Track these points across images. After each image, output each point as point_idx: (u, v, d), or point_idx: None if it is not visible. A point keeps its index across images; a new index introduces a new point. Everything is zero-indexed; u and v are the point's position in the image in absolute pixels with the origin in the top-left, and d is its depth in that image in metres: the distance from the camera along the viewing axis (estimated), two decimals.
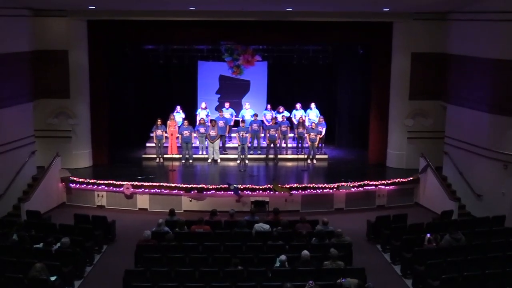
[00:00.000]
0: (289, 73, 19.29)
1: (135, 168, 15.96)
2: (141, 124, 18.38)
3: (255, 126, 16.76)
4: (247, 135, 16.41)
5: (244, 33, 16.09)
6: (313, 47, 18.34)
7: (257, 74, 18.75)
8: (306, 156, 16.55)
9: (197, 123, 16.77)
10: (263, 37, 16.28)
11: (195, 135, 16.69)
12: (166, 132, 16.48)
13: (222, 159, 16.78)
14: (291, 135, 17.64)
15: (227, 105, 17.63)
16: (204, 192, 14.02)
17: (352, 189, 14.29)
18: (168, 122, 16.67)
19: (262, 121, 17.27)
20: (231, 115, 17.61)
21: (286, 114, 17.42)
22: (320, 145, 17.19)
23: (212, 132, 16.32)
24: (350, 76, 18.44)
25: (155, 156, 16.69)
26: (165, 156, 16.64)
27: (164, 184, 14.14)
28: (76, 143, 15.82)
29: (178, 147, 16.75)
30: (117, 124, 17.52)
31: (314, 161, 16.75)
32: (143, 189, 14.14)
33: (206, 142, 16.80)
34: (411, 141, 16.02)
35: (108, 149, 16.57)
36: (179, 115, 17.35)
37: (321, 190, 14.18)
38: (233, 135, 17.61)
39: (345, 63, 18.54)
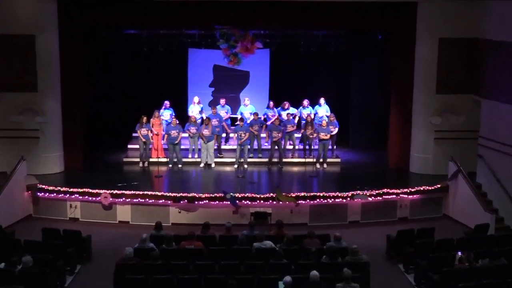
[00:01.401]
0: (295, 63, 19.32)
1: (115, 174, 15.97)
2: (122, 122, 18.42)
3: (255, 128, 16.77)
4: (246, 135, 16.38)
5: (242, 16, 16.11)
6: (323, 32, 18.32)
7: (257, 64, 18.79)
8: (315, 160, 16.56)
9: (188, 122, 16.77)
10: (265, 20, 16.33)
11: (185, 135, 16.70)
12: (152, 132, 16.53)
13: (217, 163, 16.78)
14: (298, 135, 17.65)
15: (222, 101, 17.67)
16: (196, 202, 14.01)
17: (369, 199, 14.28)
18: (152, 120, 16.69)
19: (263, 120, 17.32)
20: (227, 112, 17.63)
21: (292, 110, 17.44)
22: (331, 147, 17.20)
23: (206, 132, 16.32)
24: (367, 66, 18.47)
25: (138, 159, 16.69)
26: (150, 159, 16.64)
27: (149, 193, 14.14)
28: (45, 144, 15.80)
29: (165, 149, 16.76)
30: (93, 123, 17.53)
31: (325, 165, 16.75)
32: (124, 199, 14.12)
33: (198, 144, 16.81)
34: (438, 142, 16.02)
35: (83, 152, 16.59)
36: (168, 112, 17.37)
37: (332, 199, 14.18)
38: (231, 135, 17.65)
39: (360, 50, 18.57)
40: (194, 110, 17.48)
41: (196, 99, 17.70)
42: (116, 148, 17.94)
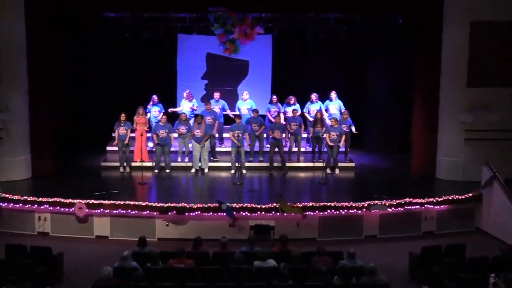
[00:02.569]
0: (301, 52, 19.44)
1: (92, 180, 15.98)
2: (102, 120, 18.50)
3: (255, 127, 16.80)
4: (244, 135, 16.33)
5: None
6: (335, 15, 18.39)
7: (258, 52, 18.92)
8: (325, 164, 16.57)
9: (178, 120, 16.82)
10: (267, 1, 16.37)
11: (175, 135, 16.71)
12: (132, 132, 16.58)
13: (210, 168, 16.80)
14: (305, 135, 17.68)
15: (217, 95, 17.70)
16: (186, 214, 13.97)
17: (389, 209, 14.26)
18: (135, 117, 16.74)
19: (265, 118, 17.41)
20: (222, 108, 17.61)
21: (295, 107, 17.46)
22: (344, 149, 17.25)
23: (198, 132, 16.29)
24: (385, 55, 18.58)
25: (118, 164, 16.67)
26: (132, 164, 16.66)
27: (131, 203, 14.11)
28: (9, 146, 15.82)
29: (149, 151, 16.77)
30: (67, 121, 17.62)
31: (337, 170, 16.78)
32: (101, 210, 14.10)
33: (190, 145, 16.82)
34: (470, 143, 16.05)
35: (54, 155, 16.60)
36: (156, 108, 17.44)
37: (346, 210, 14.16)
38: (225, 135, 17.64)
39: (378, 37, 18.67)
40: (185, 107, 17.52)
41: (185, 93, 17.74)
42: (94, 151, 18.04)
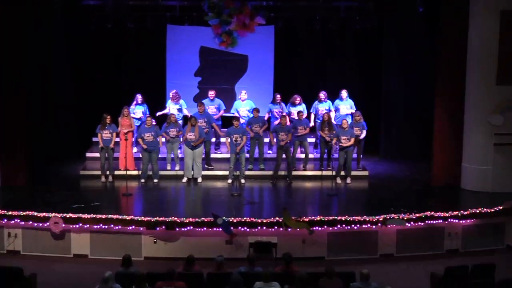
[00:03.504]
0: (308, 45, 19.41)
1: (69, 191, 15.96)
2: (80, 124, 18.54)
3: (256, 128, 16.78)
4: (243, 140, 16.38)
5: None
6: (346, 3, 18.42)
7: (259, 45, 18.91)
8: (335, 173, 16.59)
9: (167, 122, 16.83)
10: None
11: (163, 140, 16.74)
12: (117, 135, 16.59)
13: (205, 176, 16.80)
14: (312, 139, 17.65)
15: (211, 94, 17.72)
16: (177, 229, 13.96)
17: (407, 224, 14.25)
18: (120, 119, 16.74)
19: (266, 119, 17.40)
20: (218, 108, 17.64)
21: (301, 108, 17.43)
22: (356, 155, 17.28)
23: (191, 135, 16.28)
24: (403, 49, 18.57)
25: (99, 172, 16.69)
26: (115, 172, 16.68)
27: (114, 217, 14.09)
28: None
29: (136, 158, 16.78)
30: (40, 124, 17.57)
31: (348, 180, 16.81)
32: (80, 225, 14.07)
33: (179, 151, 16.79)
34: (500, 149, 16.07)
35: (26, 163, 16.60)
36: (140, 109, 17.45)
37: (358, 225, 14.14)
38: (222, 140, 17.64)
39: (395, 29, 18.64)
40: (172, 108, 17.56)
41: (172, 93, 17.71)
42: (71, 158, 18.03)
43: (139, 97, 17.53)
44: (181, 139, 16.66)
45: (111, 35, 18.89)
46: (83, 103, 18.84)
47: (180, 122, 17.27)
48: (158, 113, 17.69)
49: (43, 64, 17.76)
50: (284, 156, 16.70)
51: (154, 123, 16.60)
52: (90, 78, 19.08)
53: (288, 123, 16.87)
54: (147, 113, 17.36)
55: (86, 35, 18.77)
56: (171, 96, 17.65)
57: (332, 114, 17.43)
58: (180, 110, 17.55)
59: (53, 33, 18.13)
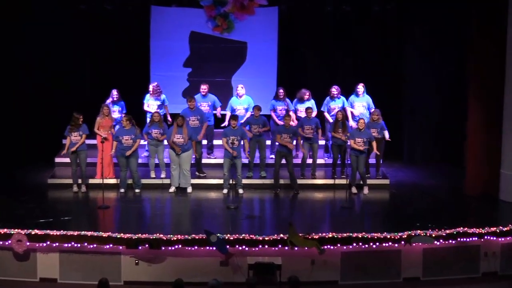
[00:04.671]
0: (317, 30, 19.37)
1: (35, 203, 15.90)
2: (48, 125, 18.51)
3: (256, 129, 16.79)
4: (242, 143, 16.40)
5: None
6: None
7: (259, 31, 18.93)
8: (349, 182, 16.59)
9: (149, 121, 16.84)
10: None
11: (144, 142, 16.69)
12: (90, 137, 16.58)
13: (195, 186, 16.82)
14: (323, 142, 17.65)
15: (204, 88, 17.74)
16: (163, 248, 13.89)
17: (436, 242, 14.17)
18: (98, 119, 16.73)
19: (269, 119, 17.40)
20: (212, 106, 17.70)
21: (310, 104, 17.41)
22: (375, 161, 17.32)
23: (179, 138, 16.31)
24: (430, 40, 18.56)
25: (70, 181, 16.70)
26: (89, 181, 16.70)
27: (88, 234, 13.99)
28: None
29: (115, 164, 16.82)
30: (2, 124, 17.59)
31: (365, 190, 16.82)
32: (48, 243, 13.99)
33: (165, 156, 16.83)
34: None
35: None
36: (116, 108, 17.53)
37: (377, 243, 14.07)
38: (217, 142, 17.65)
39: (420, 12, 18.65)
40: (151, 105, 17.55)
41: (152, 86, 17.66)
42: (38, 164, 18.02)
43: (115, 93, 17.51)
44: (165, 142, 16.69)
45: (85, 19, 18.86)
46: (51, 100, 18.81)
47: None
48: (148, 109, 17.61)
49: (8, 55, 17.81)
50: (284, 161, 16.65)
51: (132, 124, 16.39)
52: (59, 71, 19.07)
53: (294, 123, 16.85)
54: (124, 111, 17.40)
55: (58, 19, 18.70)
56: (151, 90, 17.60)
57: (349, 113, 17.50)
58: (160, 107, 17.52)
59: (21, 17, 18.16)
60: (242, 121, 17.10)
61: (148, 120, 17.24)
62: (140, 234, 13.91)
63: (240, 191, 16.54)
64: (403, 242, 14.04)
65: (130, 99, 17.86)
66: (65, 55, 19.11)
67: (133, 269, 13.96)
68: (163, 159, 16.91)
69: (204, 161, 17.49)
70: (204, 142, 17.66)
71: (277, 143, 16.72)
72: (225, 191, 16.54)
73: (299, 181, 16.91)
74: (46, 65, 18.95)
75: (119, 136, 16.29)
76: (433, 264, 14.24)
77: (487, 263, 14.43)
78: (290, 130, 16.49)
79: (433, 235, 14.09)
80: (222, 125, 17.37)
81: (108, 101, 17.44)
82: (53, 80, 19.00)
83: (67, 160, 16.91)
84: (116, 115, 17.29)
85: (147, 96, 17.68)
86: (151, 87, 17.65)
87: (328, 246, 13.88)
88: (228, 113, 17.36)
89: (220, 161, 17.00)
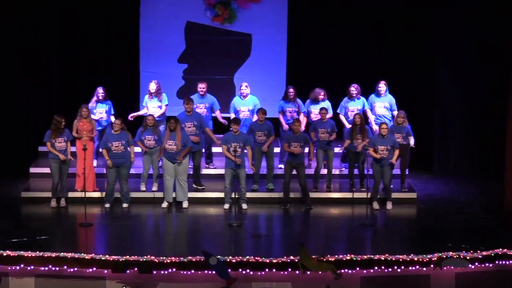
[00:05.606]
0: (334, 21, 19.45)
1: (6, 220, 15.89)
2: (21, 130, 18.60)
3: (261, 136, 16.85)
4: (245, 150, 16.39)
5: None
6: None
7: (266, 21, 19.04)
8: (370, 195, 16.60)
9: (142, 126, 16.83)
10: None
11: (137, 150, 16.76)
12: (71, 144, 16.57)
13: (192, 200, 16.86)
14: (339, 150, 17.68)
15: (202, 87, 17.76)
16: (154, 272, 13.85)
17: (471, 266, 14.10)
18: (76, 122, 16.77)
19: (276, 122, 17.43)
20: (210, 108, 17.72)
21: (325, 104, 17.41)
22: (400, 172, 17.35)
23: (171, 144, 16.32)
24: (466, 36, 18.59)
25: (48, 195, 16.71)
26: (70, 195, 16.72)
27: (69, 256, 13.95)
28: None
29: (99, 175, 16.92)
30: None
31: (388, 205, 16.84)
32: (22, 266, 13.96)
33: (158, 165, 16.91)
34: None
35: None
36: (102, 108, 17.54)
37: (403, 267, 14.02)
38: (216, 150, 17.70)
39: (452, 4, 18.66)
40: (150, 106, 17.57)
41: (153, 85, 17.68)
42: (10, 175, 18.09)
43: (100, 91, 17.50)
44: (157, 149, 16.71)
45: (66, 7, 18.98)
46: (27, 101, 18.88)
47: (161, 127, 17.27)
48: (132, 115, 17.66)
49: None
50: (294, 172, 16.64)
51: (122, 127, 16.42)
52: (35, 67, 19.10)
53: (303, 128, 16.83)
54: (112, 112, 17.39)
55: (37, 10, 18.81)
56: (150, 90, 17.59)
57: (370, 115, 17.53)
58: (161, 107, 17.60)
59: None
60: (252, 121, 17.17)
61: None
62: (128, 256, 13.87)
63: (244, 206, 16.57)
64: (432, 266, 13.99)
65: (114, 101, 17.83)
66: (44, 50, 19.21)
67: None
68: (158, 169, 16.95)
69: (203, 171, 17.53)
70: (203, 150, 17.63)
71: (286, 152, 16.73)
72: (226, 206, 16.54)
73: (312, 195, 16.93)
74: (25, 61, 19.02)
75: (108, 143, 16.28)
76: None
77: None
78: (301, 138, 16.44)
79: (468, 258, 14.03)
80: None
81: (93, 100, 17.44)
82: (29, 78, 19.05)
83: (44, 169, 17.01)
84: (101, 115, 17.34)
85: (146, 97, 17.73)
86: (151, 86, 17.61)
87: (346, 270, 13.84)
88: (232, 116, 17.36)
89: (221, 171, 17.03)
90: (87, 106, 16.97)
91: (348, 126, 17.36)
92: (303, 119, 17.22)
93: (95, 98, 17.45)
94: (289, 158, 16.56)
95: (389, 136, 16.46)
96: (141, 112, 17.69)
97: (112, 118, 17.23)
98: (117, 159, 16.27)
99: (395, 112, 17.40)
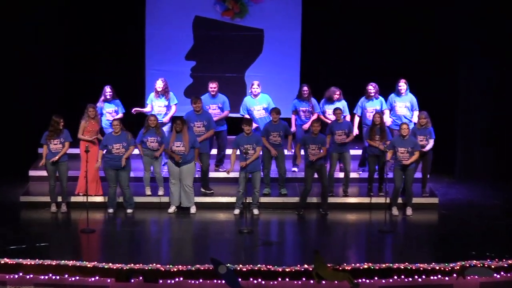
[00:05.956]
0: (351, 16, 19.48)
1: (5, 227, 15.92)
2: (20, 131, 18.64)
3: (274, 137, 16.81)
4: (256, 151, 16.39)
5: None
6: None
7: (279, 16, 19.06)
8: (389, 200, 16.54)
9: (144, 127, 16.84)
10: None
11: (137, 152, 16.74)
12: (71, 145, 16.60)
13: (200, 205, 16.85)
14: (357, 152, 17.64)
15: (213, 87, 17.74)
16: (160, 281, 13.84)
17: (495, 275, 14.05)
18: (83, 123, 16.81)
19: (290, 123, 17.47)
20: (222, 108, 17.73)
21: (340, 104, 17.36)
22: (421, 176, 17.33)
23: (179, 146, 16.27)
24: (490, 26, 18.53)
25: (48, 199, 16.71)
26: (71, 199, 16.76)
27: (69, 264, 13.97)
28: None
29: (102, 178, 16.92)
30: None
31: (408, 211, 16.83)
32: (21, 274, 13.97)
33: (162, 168, 16.95)
34: None
35: None
36: (111, 107, 17.57)
37: (424, 276, 14.00)
38: (229, 152, 17.50)
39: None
40: (156, 105, 17.55)
41: (160, 83, 17.65)
42: (8, 178, 18.16)
43: (108, 90, 17.50)
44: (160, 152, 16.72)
45: (65, 8, 19.00)
46: (27, 101, 18.92)
47: (167, 126, 17.30)
48: (135, 110, 17.66)
49: None
50: (315, 175, 16.59)
51: (123, 128, 16.46)
52: (35, 66, 19.14)
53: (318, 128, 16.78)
54: (122, 111, 17.43)
55: (37, 9, 18.85)
56: (157, 88, 17.55)
57: (388, 118, 17.43)
58: (168, 107, 17.55)
59: None
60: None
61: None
62: (132, 264, 13.89)
63: (255, 211, 16.58)
64: (455, 275, 13.97)
65: (121, 99, 17.84)
66: (45, 49, 19.25)
67: None
68: (160, 173, 16.94)
69: (211, 174, 17.47)
70: (214, 151, 17.67)
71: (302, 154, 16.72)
72: (236, 211, 16.55)
73: (328, 200, 16.90)
74: (24, 60, 19.09)
75: (108, 145, 16.27)
76: None
77: None
78: (319, 140, 16.36)
79: (492, 266, 14.01)
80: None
81: (100, 100, 17.46)
82: (29, 77, 19.14)
83: (44, 172, 16.99)
84: (110, 116, 17.31)
85: (151, 95, 17.72)
86: (157, 84, 17.57)
87: (363, 280, 13.81)
88: (246, 116, 17.34)
89: (230, 175, 16.92)
90: (94, 106, 16.99)
91: (356, 131, 17.37)
92: (319, 119, 17.10)
93: (102, 98, 17.48)
94: (308, 163, 16.49)
95: (410, 138, 16.42)
96: (145, 109, 17.67)
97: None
98: (118, 161, 16.28)
99: (416, 112, 17.34)
